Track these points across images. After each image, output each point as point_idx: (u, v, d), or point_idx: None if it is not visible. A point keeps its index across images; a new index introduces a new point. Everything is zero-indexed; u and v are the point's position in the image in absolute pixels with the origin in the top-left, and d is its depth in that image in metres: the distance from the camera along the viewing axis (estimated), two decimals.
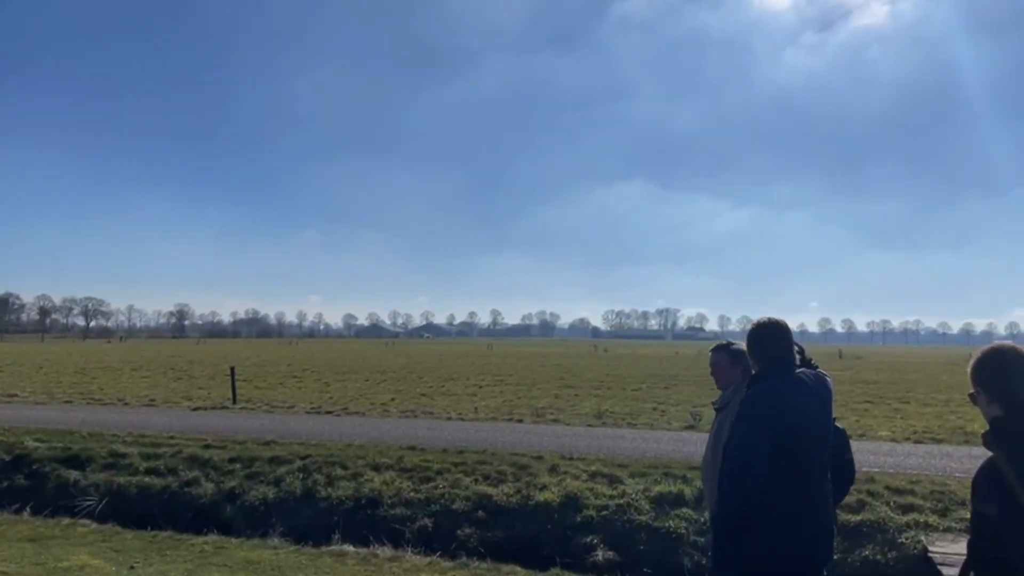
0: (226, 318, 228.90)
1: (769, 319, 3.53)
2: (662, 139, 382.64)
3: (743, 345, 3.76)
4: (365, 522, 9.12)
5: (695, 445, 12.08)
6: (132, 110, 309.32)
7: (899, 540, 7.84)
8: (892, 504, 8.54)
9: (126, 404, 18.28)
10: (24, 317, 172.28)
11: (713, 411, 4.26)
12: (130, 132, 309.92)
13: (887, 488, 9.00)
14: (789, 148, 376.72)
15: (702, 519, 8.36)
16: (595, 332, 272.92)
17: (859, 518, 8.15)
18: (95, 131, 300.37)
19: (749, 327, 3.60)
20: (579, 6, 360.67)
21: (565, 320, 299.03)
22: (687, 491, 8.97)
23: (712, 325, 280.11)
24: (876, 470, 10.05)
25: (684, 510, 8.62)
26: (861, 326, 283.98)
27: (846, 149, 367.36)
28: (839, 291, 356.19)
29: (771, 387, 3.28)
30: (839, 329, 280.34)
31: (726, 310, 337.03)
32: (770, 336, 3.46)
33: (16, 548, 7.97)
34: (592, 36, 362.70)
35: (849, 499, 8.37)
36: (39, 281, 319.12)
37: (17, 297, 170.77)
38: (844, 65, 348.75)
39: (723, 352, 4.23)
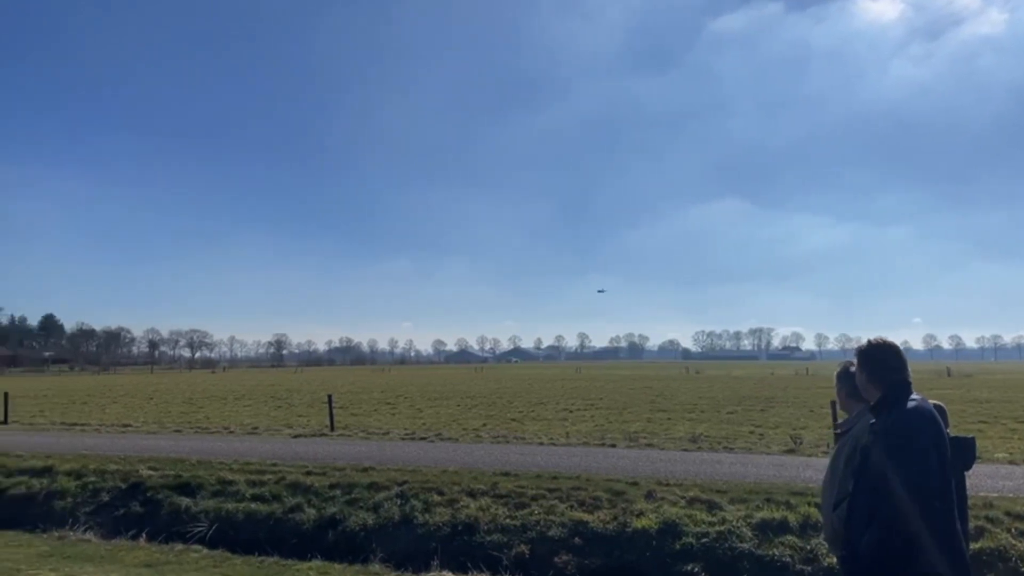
0: (321, 346, 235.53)
1: (886, 340, 3.47)
2: (758, 155, 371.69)
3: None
4: (462, 548, 9.17)
5: (796, 469, 11.69)
6: (229, 147, 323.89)
7: (1023, 570, 7.36)
8: (1013, 531, 8.04)
9: (231, 432, 18.97)
10: (135, 350, 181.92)
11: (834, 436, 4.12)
12: (228, 169, 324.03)
13: (1007, 514, 8.47)
14: (893, 161, 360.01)
15: (808, 547, 8.07)
16: (685, 353, 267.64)
17: (978, 546, 7.70)
18: (196, 170, 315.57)
19: (863, 346, 3.50)
20: (674, 26, 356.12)
21: (654, 342, 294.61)
22: (791, 517, 8.66)
23: (809, 344, 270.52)
24: (995, 495, 9.47)
25: (789, 537, 8.33)
26: (970, 342, 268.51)
27: (954, 159, 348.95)
28: (945, 306, 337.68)
29: (926, 411, 3.22)
30: (946, 346, 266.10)
31: (823, 328, 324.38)
32: (895, 358, 3.40)
33: (134, 573, 8.34)
34: (687, 55, 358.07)
35: None
36: (148, 315, 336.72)
37: (128, 331, 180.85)
38: (954, 74, 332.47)
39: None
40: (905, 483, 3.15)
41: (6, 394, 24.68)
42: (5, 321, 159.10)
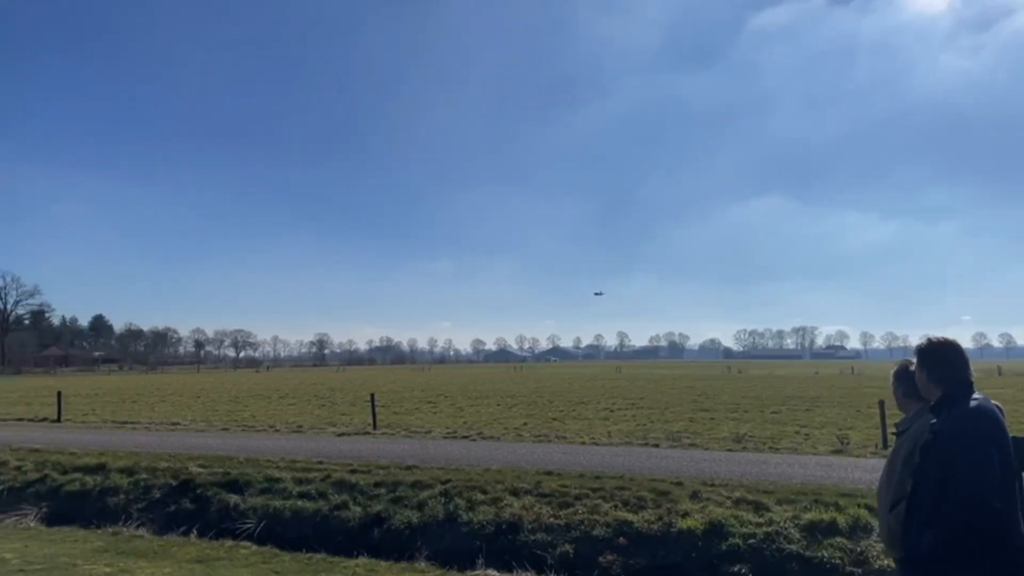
0: (362, 346, 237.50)
1: (947, 339, 3.41)
2: (803, 152, 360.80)
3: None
4: (507, 547, 9.20)
5: (844, 470, 11.51)
6: (272, 149, 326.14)
7: None
8: None
9: (276, 431, 19.27)
10: (181, 350, 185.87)
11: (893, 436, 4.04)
12: (271, 171, 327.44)
13: None
14: (942, 155, 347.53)
15: (858, 549, 7.93)
16: (727, 352, 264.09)
17: None
18: (240, 172, 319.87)
19: (924, 344, 3.44)
20: (716, 22, 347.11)
21: (695, 341, 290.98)
22: (840, 519, 8.52)
23: (854, 343, 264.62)
24: None
25: (838, 539, 8.19)
26: (1021, 340, 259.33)
27: (1005, 153, 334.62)
28: (996, 303, 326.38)
29: (988, 410, 3.17)
30: (996, 344, 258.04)
31: (869, 327, 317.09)
32: (958, 357, 3.35)
33: (186, 569, 8.53)
34: (729, 50, 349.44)
35: None
36: (194, 316, 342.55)
37: (175, 331, 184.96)
38: (1006, 66, 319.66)
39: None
40: (965, 484, 3.08)
41: (59, 393, 25.41)
42: (57, 322, 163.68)
